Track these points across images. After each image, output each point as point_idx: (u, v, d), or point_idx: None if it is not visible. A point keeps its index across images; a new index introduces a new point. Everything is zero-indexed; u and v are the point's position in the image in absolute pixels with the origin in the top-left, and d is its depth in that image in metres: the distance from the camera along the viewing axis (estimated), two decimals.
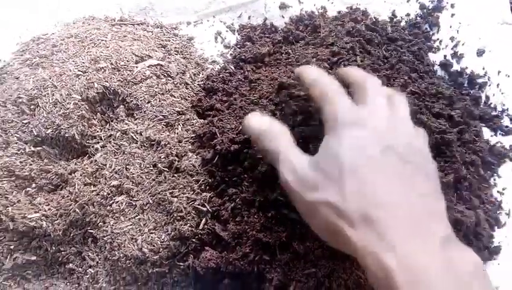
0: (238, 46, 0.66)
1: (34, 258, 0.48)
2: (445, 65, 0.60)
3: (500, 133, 0.56)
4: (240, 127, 0.49)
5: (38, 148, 0.52)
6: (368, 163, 0.34)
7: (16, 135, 0.53)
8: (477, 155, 0.52)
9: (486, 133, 0.56)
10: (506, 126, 0.56)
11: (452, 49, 0.62)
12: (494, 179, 0.53)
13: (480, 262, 0.32)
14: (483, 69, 0.59)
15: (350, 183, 0.33)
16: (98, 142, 0.53)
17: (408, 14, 0.65)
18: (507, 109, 0.57)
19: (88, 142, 0.53)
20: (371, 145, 0.35)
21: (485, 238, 0.48)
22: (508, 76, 0.59)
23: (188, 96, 0.59)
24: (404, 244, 0.30)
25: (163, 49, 0.64)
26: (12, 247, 0.48)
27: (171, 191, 0.48)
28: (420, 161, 0.36)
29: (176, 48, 0.65)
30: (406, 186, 0.34)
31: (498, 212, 0.51)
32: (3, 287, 0.48)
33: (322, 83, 0.41)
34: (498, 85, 0.58)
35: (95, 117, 0.55)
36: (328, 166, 0.35)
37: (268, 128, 0.41)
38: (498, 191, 0.52)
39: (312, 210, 0.36)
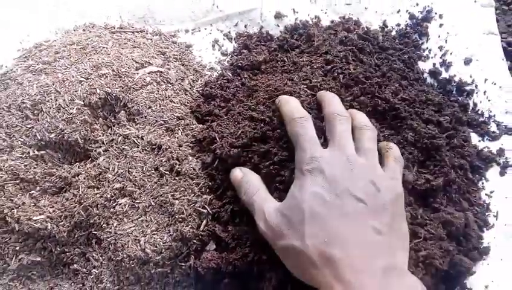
0: (235, 53, 0.68)
1: (39, 259, 0.50)
2: (434, 73, 0.63)
3: (487, 139, 0.59)
4: (239, 132, 0.51)
5: (42, 152, 0.54)
6: (326, 208, 0.39)
7: (20, 139, 0.54)
8: (466, 159, 0.55)
9: (474, 138, 0.59)
10: (493, 132, 0.59)
11: (441, 57, 0.64)
12: (482, 183, 0.56)
13: (417, 285, 0.38)
14: (471, 77, 0.62)
15: (310, 228, 0.39)
16: (100, 147, 0.54)
17: (398, 24, 0.68)
18: (494, 115, 0.60)
19: (91, 146, 0.55)
20: (328, 191, 0.40)
21: (475, 239, 0.50)
22: (494, 84, 0.61)
23: (187, 102, 0.61)
24: (353, 278, 0.36)
25: (162, 56, 0.66)
26: (17, 248, 0.50)
27: (172, 193, 0.50)
28: (374, 201, 0.40)
29: (174, 55, 0.67)
30: (359, 225, 0.39)
31: (486, 214, 0.53)
32: (9, 287, 0.49)
33: (298, 125, 0.45)
34: (485, 92, 0.61)
35: (97, 122, 0.56)
36: (291, 213, 0.41)
37: (242, 181, 0.47)
38: (486, 194, 0.55)
39: (284, 254, 0.42)
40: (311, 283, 0.40)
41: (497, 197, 0.54)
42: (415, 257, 0.45)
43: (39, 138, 0.54)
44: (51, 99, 0.55)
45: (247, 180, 0.47)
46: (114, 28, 0.70)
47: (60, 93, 0.56)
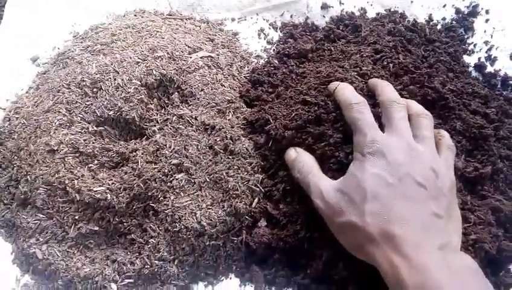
0: (281, 42, 0.70)
1: (96, 228, 0.52)
2: (479, 67, 0.64)
3: None
4: (293, 114, 0.52)
5: (101, 128, 0.56)
6: (387, 189, 0.41)
7: (79, 115, 0.57)
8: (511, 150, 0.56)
9: None
10: None
11: (486, 52, 0.65)
12: None
13: (472, 263, 0.40)
14: None
15: (371, 207, 0.41)
16: (155, 125, 0.57)
17: (444, 18, 0.69)
18: None
19: (146, 125, 0.57)
20: (390, 173, 0.42)
21: None
22: None
23: (236, 87, 0.63)
24: (412, 252, 0.38)
25: (211, 42, 0.68)
26: (76, 217, 0.52)
27: (226, 171, 0.52)
28: (434, 187, 0.42)
29: (222, 42, 0.69)
30: (418, 208, 0.40)
31: None
32: (67, 254, 0.52)
33: (355, 110, 0.47)
34: None
35: (152, 102, 0.58)
36: (352, 191, 0.42)
37: (296, 160, 0.49)
38: None
39: (340, 230, 0.44)
40: (367, 259, 0.42)
41: None
42: (465, 240, 0.46)
43: (98, 114, 0.56)
44: (110, 78, 0.58)
45: (302, 160, 0.49)
46: (163, 14, 0.72)
47: (118, 73, 0.58)
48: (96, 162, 0.54)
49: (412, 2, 0.70)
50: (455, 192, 0.45)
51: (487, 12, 0.68)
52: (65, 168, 0.53)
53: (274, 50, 0.70)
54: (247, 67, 0.67)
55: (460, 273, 0.38)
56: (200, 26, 0.71)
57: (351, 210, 0.42)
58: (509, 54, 0.64)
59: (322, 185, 0.45)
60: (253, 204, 0.51)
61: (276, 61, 0.67)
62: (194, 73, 0.60)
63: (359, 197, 0.41)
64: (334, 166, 0.48)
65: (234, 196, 0.51)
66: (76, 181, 0.52)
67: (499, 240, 0.48)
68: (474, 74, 0.64)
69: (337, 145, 0.48)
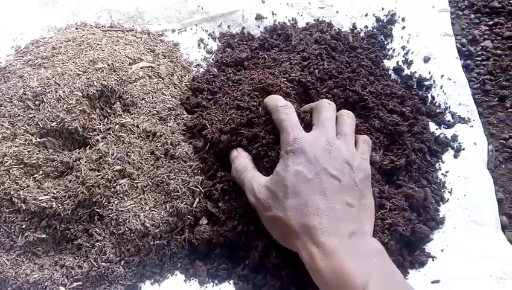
0: (219, 51, 0.74)
1: (44, 236, 0.54)
2: (397, 70, 0.71)
3: (443, 127, 0.67)
4: (227, 118, 0.57)
5: (44, 139, 0.58)
6: (306, 185, 0.45)
7: (22, 127, 0.58)
8: (425, 144, 0.63)
9: (432, 126, 0.67)
10: (449, 121, 0.67)
11: (403, 56, 0.72)
12: (439, 164, 0.63)
13: (379, 246, 0.45)
14: (429, 73, 0.70)
15: (292, 202, 0.45)
16: (98, 134, 0.59)
17: (366, 26, 0.75)
18: (449, 107, 0.68)
19: (89, 134, 0.59)
20: (308, 169, 0.46)
21: (432, 211, 0.58)
22: (450, 79, 0.70)
23: (177, 95, 0.66)
24: (326, 240, 0.43)
25: (152, 53, 0.71)
26: (24, 226, 0.54)
27: (168, 174, 0.56)
28: (348, 179, 0.47)
29: (163, 52, 0.72)
30: (333, 199, 0.45)
31: (442, 190, 0.61)
32: (16, 262, 0.53)
33: (281, 112, 0.52)
34: (441, 87, 0.69)
35: (94, 112, 0.61)
36: (276, 188, 0.47)
37: (235, 159, 0.54)
38: (442, 174, 0.62)
39: (270, 224, 0.49)
40: (293, 248, 0.47)
41: (451, 176, 0.62)
42: (382, 224, 0.52)
43: (41, 126, 0.58)
44: (51, 90, 0.60)
45: (239, 159, 0.53)
46: (105, 27, 0.75)
47: (59, 86, 0.60)
48: (41, 172, 0.56)
49: (337, 12, 0.76)
50: (369, 182, 0.50)
51: (403, 20, 0.75)
52: (10, 180, 0.55)
53: (213, 59, 0.74)
54: (188, 76, 0.71)
55: (367, 255, 0.42)
56: (141, 38, 0.74)
57: (276, 205, 0.46)
58: (423, 57, 0.72)
59: (254, 182, 0.50)
60: (194, 204, 0.55)
61: (215, 70, 0.71)
62: (135, 83, 0.64)
63: (282, 193, 0.46)
64: (268, 164, 0.53)
65: (176, 197, 0.54)
66: (21, 191, 0.54)
67: (412, 223, 0.54)
68: (393, 76, 0.71)
69: (269, 145, 0.53)
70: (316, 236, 0.43)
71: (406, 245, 0.55)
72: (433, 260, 0.55)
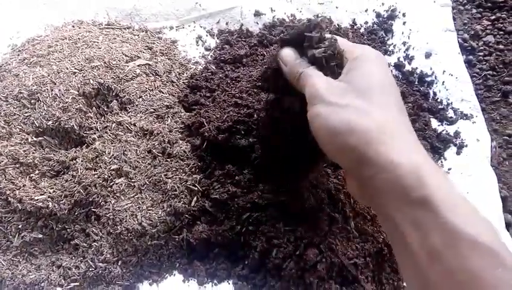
0: (218, 48, 0.73)
1: (40, 236, 0.53)
2: (398, 66, 0.70)
3: (445, 123, 0.66)
4: (225, 116, 0.56)
5: (40, 138, 0.58)
6: (391, 85, 0.38)
7: (18, 126, 0.58)
8: (427, 141, 0.62)
9: (434, 123, 0.66)
10: (451, 117, 0.66)
11: (404, 52, 0.71)
12: (441, 161, 0.62)
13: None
14: (431, 69, 0.69)
15: (379, 98, 0.36)
16: (95, 133, 0.59)
17: (366, 22, 0.74)
18: (451, 103, 0.67)
19: (85, 133, 0.59)
20: (390, 73, 0.40)
21: None
22: (451, 75, 0.69)
23: (175, 93, 0.65)
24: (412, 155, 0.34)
25: (149, 50, 0.70)
26: (20, 226, 0.53)
27: (165, 173, 0.55)
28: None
29: (161, 49, 0.71)
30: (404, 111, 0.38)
31: None
32: (13, 262, 0.53)
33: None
34: (443, 83, 0.68)
35: (91, 110, 0.60)
36: (356, 85, 0.37)
37: (295, 63, 0.41)
38: (445, 171, 0.61)
39: (336, 130, 0.36)
40: (354, 160, 0.36)
41: (454, 173, 0.61)
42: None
43: (37, 125, 0.57)
44: (47, 89, 0.59)
45: (299, 61, 0.41)
46: (102, 24, 0.74)
47: (55, 84, 0.59)
48: (37, 171, 0.56)
49: (337, 7, 0.75)
50: None
51: (404, 15, 0.74)
52: (6, 179, 0.54)
53: (211, 56, 0.73)
54: (186, 73, 0.70)
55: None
56: (138, 35, 0.73)
57: (357, 98, 0.36)
58: (424, 53, 0.70)
59: (320, 82, 0.38)
60: (192, 203, 0.54)
61: (213, 67, 0.70)
62: (132, 81, 0.63)
63: (366, 86, 0.37)
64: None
65: (173, 196, 0.54)
66: (17, 191, 0.53)
67: None
68: (394, 72, 0.70)
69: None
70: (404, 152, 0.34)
71: None
72: None
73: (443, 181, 0.33)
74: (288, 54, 0.42)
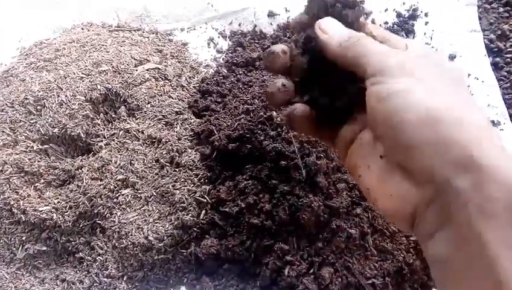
0: (230, 51, 0.71)
1: (44, 248, 0.52)
2: None
3: None
4: (236, 124, 0.53)
5: (46, 146, 0.56)
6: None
7: (24, 133, 0.56)
8: None
9: None
10: None
11: None
12: None
13: None
14: None
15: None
16: (102, 141, 0.57)
17: (386, 22, 0.71)
18: None
19: (92, 141, 0.57)
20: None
21: None
22: (477, 78, 0.65)
23: (185, 98, 0.63)
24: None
25: (159, 53, 0.68)
26: (24, 238, 0.51)
27: (173, 184, 0.53)
28: None
29: (171, 52, 0.69)
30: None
31: None
32: (16, 275, 0.51)
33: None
34: (468, 86, 0.64)
35: (98, 117, 0.58)
36: (425, 57, 0.31)
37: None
38: None
39: (435, 110, 0.28)
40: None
41: None
42: (406, 242, 0.48)
43: (42, 132, 0.56)
44: (53, 95, 0.57)
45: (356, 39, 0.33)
46: (111, 26, 0.72)
47: (62, 90, 0.58)
48: (42, 181, 0.54)
49: None
50: None
51: (426, 15, 0.70)
52: (10, 189, 0.53)
53: (223, 59, 0.70)
54: (197, 77, 0.67)
55: None
56: (148, 38, 0.71)
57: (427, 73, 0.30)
58: (448, 55, 0.67)
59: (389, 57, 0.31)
60: (201, 216, 0.52)
61: (225, 70, 0.67)
62: (140, 86, 0.60)
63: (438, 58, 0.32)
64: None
65: (181, 208, 0.51)
66: (21, 201, 0.52)
67: None
68: None
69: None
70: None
71: None
72: None
73: None
74: (331, 21, 0.34)
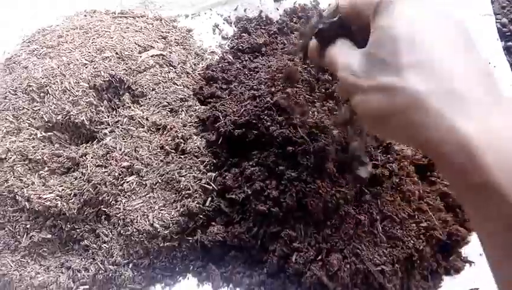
0: (235, 37, 0.69)
1: (49, 236, 0.51)
2: None
3: None
4: (242, 110, 0.52)
5: (49, 133, 0.55)
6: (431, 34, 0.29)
7: (27, 121, 0.55)
8: None
9: None
10: None
11: None
12: None
13: None
14: None
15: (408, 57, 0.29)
16: (106, 128, 0.56)
17: None
18: None
19: (96, 128, 0.56)
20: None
21: None
22: (490, 63, 0.63)
23: (190, 85, 0.62)
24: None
25: (163, 40, 0.67)
26: (28, 226, 0.51)
27: (178, 171, 0.52)
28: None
29: (175, 39, 0.68)
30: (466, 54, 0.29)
31: None
32: (21, 263, 0.51)
33: None
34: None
35: (102, 104, 0.57)
36: (380, 48, 0.31)
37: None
38: None
39: (379, 110, 0.30)
40: (421, 141, 0.28)
41: None
42: (417, 229, 0.47)
43: (46, 119, 0.55)
44: (57, 82, 0.56)
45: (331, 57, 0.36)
46: (115, 13, 0.71)
47: (65, 76, 0.57)
48: (46, 168, 0.53)
49: None
50: None
51: None
52: (14, 176, 0.52)
53: (228, 45, 0.69)
54: (202, 63, 0.66)
55: None
56: (152, 24, 0.70)
57: (385, 70, 0.30)
58: None
59: (349, 58, 0.33)
60: (207, 203, 0.51)
61: (230, 57, 0.66)
62: (145, 72, 0.60)
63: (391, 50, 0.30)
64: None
65: (187, 195, 0.51)
66: (25, 189, 0.51)
67: (448, 225, 0.49)
68: None
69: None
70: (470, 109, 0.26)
71: (441, 249, 0.49)
72: (470, 265, 0.50)
73: None
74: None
